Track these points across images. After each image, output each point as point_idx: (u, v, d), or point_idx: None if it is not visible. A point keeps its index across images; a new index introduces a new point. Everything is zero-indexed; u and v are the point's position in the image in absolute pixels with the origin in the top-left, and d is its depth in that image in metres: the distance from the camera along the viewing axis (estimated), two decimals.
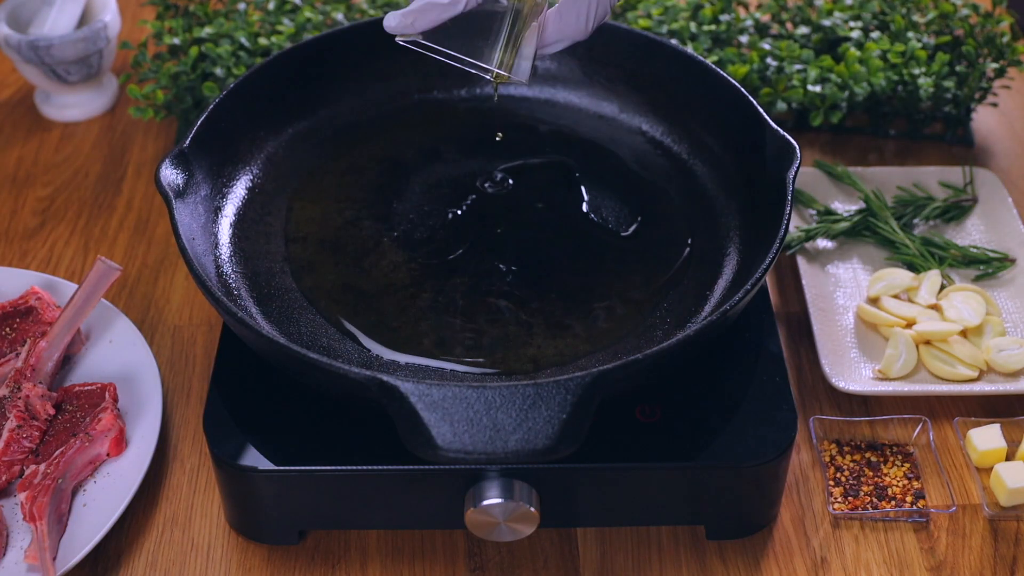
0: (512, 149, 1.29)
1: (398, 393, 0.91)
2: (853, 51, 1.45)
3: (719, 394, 1.08)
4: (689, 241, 1.18)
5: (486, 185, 1.24)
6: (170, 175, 1.11)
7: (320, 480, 1.03)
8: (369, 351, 1.08)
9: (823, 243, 1.33)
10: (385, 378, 0.92)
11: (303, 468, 1.02)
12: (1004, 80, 1.52)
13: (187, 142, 1.14)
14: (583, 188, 1.24)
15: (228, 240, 1.17)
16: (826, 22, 1.52)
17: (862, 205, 1.37)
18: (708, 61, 1.26)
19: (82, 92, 1.55)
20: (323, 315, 1.11)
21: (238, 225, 1.19)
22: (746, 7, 1.59)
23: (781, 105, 1.44)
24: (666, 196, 1.23)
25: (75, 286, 1.24)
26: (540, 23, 1.06)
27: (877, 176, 1.40)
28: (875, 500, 1.12)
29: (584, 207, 1.22)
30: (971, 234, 1.35)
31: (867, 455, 1.15)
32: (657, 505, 1.07)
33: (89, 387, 1.15)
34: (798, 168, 1.09)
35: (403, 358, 1.07)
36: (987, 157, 1.48)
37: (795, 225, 1.34)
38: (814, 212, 1.36)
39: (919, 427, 1.16)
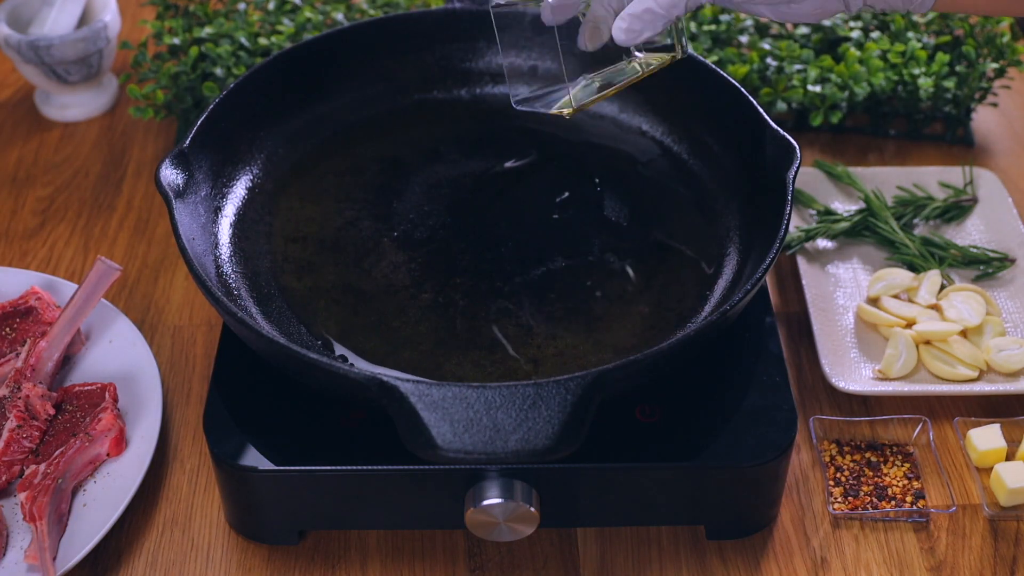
0: (512, 149, 1.29)
1: (398, 393, 0.91)
2: (853, 51, 1.46)
3: (719, 394, 1.08)
4: (688, 241, 1.19)
5: (486, 185, 1.25)
6: (170, 175, 1.11)
7: (320, 480, 1.03)
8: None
9: (823, 243, 1.33)
10: (385, 378, 0.92)
11: (303, 468, 1.02)
12: (1004, 80, 1.52)
13: (187, 142, 1.14)
14: (583, 188, 1.24)
15: (228, 240, 1.18)
16: (826, 22, 1.52)
17: (862, 205, 1.37)
18: (708, 61, 1.26)
19: (82, 92, 1.56)
20: (319, 318, 1.11)
21: (238, 225, 1.19)
22: None
23: (781, 105, 1.45)
24: (666, 196, 1.24)
25: (75, 286, 1.24)
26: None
27: (877, 176, 1.41)
28: (875, 500, 1.12)
29: (584, 207, 1.22)
30: (971, 234, 1.35)
31: (867, 455, 1.15)
32: (657, 505, 1.07)
33: (89, 387, 1.15)
34: (798, 168, 1.10)
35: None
36: (987, 157, 1.49)
37: (795, 225, 1.34)
38: (814, 212, 1.36)
39: (919, 427, 1.17)
